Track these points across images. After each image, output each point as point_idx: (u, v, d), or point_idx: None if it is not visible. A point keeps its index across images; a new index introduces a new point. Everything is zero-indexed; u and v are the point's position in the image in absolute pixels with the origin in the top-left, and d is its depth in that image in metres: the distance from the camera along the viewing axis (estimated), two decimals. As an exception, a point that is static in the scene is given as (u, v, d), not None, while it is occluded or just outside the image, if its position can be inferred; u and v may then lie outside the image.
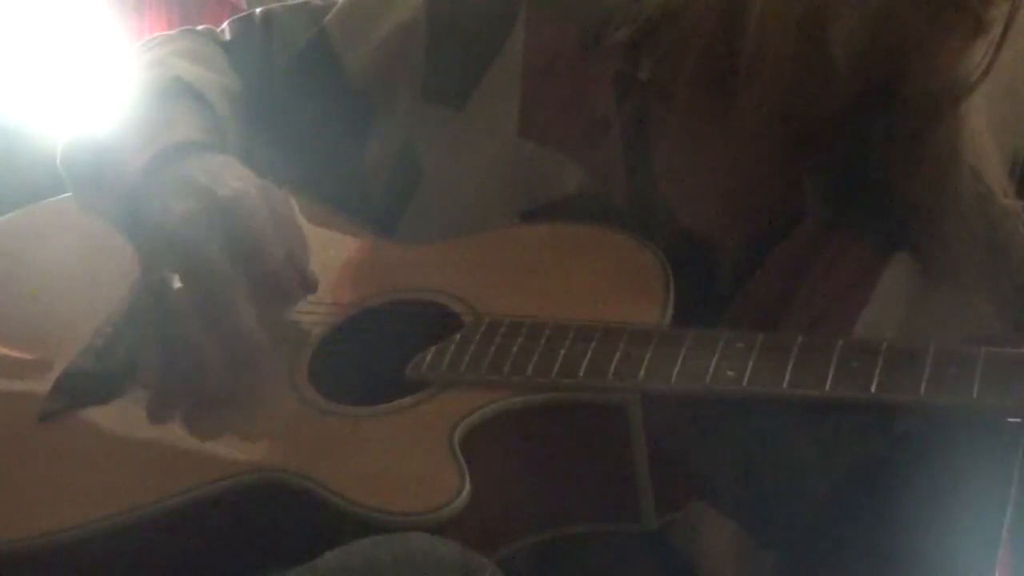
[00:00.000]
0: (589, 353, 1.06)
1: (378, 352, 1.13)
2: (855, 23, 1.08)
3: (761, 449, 1.13)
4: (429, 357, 1.09)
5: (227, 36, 1.33)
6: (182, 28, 1.36)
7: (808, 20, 1.10)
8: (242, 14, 1.35)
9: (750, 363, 1.04)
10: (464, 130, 1.23)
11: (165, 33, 1.36)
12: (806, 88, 1.12)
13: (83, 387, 1.15)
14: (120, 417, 1.13)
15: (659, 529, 1.11)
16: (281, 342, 1.14)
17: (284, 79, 1.29)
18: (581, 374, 1.05)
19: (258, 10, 1.34)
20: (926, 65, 1.10)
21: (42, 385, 1.16)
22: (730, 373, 1.03)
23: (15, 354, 1.21)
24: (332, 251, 1.22)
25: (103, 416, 1.14)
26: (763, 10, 1.11)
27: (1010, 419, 1.01)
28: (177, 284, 1.12)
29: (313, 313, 1.16)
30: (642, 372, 1.05)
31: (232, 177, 1.14)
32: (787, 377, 1.02)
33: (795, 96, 1.13)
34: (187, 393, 1.11)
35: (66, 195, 1.30)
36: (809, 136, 1.16)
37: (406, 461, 1.04)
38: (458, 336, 1.11)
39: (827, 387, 1.01)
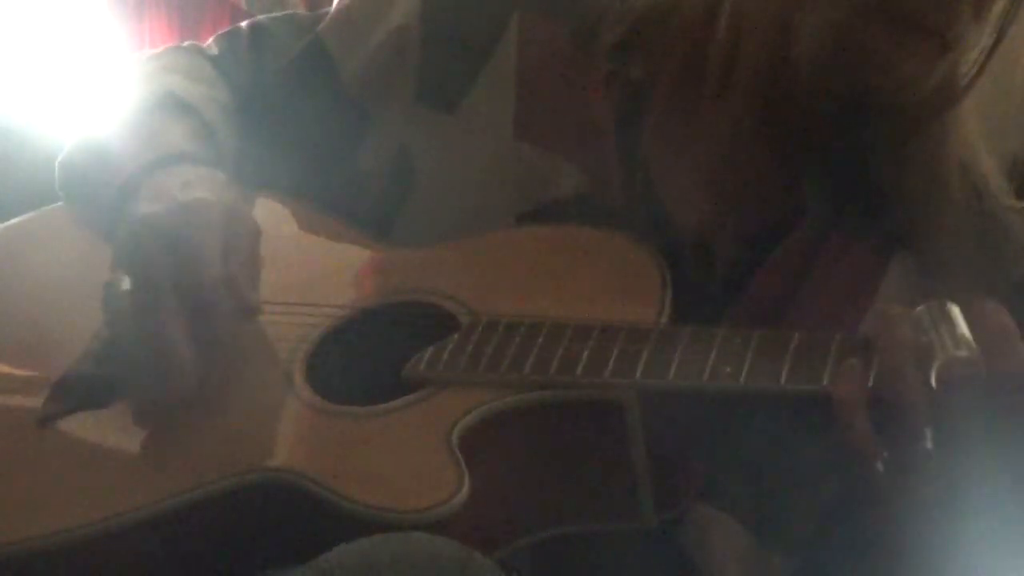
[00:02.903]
0: (586, 352, 1.06)
1: (376, 353, 1.13)
2: (817, 37, 1.09)
3: (768, 451, 1.13)
4: (427, 357, 1.09)
5: (215, 50, 1.34)
6: (169, 46, 1.37)
7: (776, 29, 1.10)
8: (228, 28, 1.36)
9: (747, 360, 1.04)
10: (459, 133, 1.23)
11: (152, 51, 1.36)
12: (779, 93, 1.13)
13: (82, 390, 1.16)
14: (118, 420, 1.13)
15: (665, 530, 1.11)
16: (258, 348, 1.14)
17: (277, 86, 1.30)
18: (579, 372, 1.06)
19: (244, 23, 1.34)
20: (890, 80, 1.10)
21: (41, 389, 1.16)
22: (727, 370, 1.04)
23: (14, 358, 1.21)
24: (328, 254, 1.23)
25: (102, 419, 1.14)
26: (734, 17, 1.11)
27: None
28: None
29: (311, 315, 1.17)
30: (639, 370, 1.05)
31: (203, 190, 1.14)
32: (784, 373, 1.02)
33: (770, 100, 1.13)
34: (187, 397, 1.11)
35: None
36: (796, 138, 1.16)
37: (405, 460, 1.04)
38: (455, 336, 1.11)
39: (824, 382, 1.02)
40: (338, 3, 1.33)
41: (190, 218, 1.11)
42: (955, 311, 0.98)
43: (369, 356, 1.14)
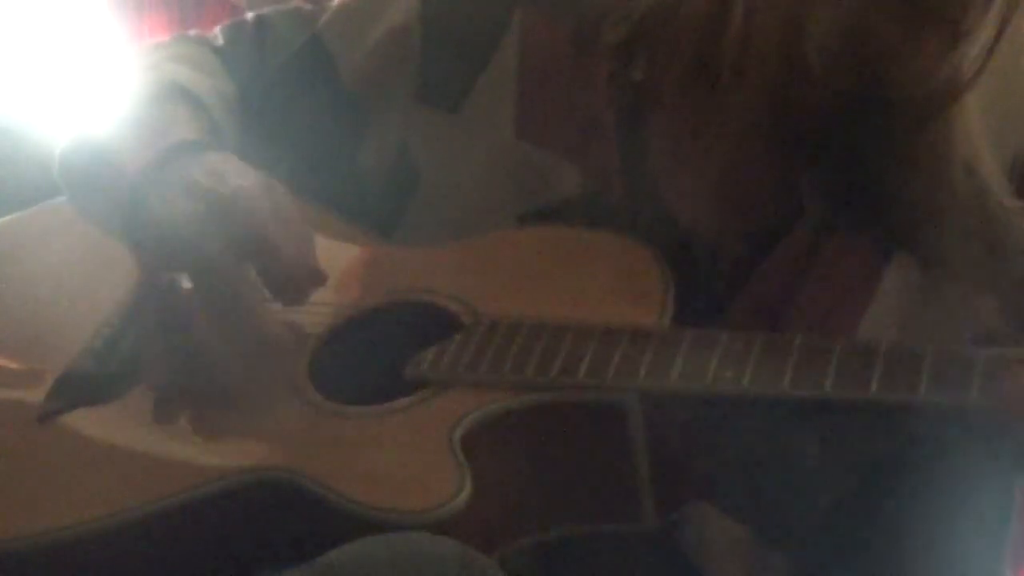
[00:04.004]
0: (589, 354, 1.06)
1: (378, 353, 1.13)
2: (828, 30, 1.09)
3: (768, 452, 1.13)
4: (429, 357, 1.10)
5: (220, 41, 1.33)
6: (175, 34, 1.37)
7: (788, 24, 1.10)
8: (234, 20, 1.35)
9: (750, 364, 1.04)
10: (460, 132, 1.23)
11: (158, 40, 1.36)
12: (789, 89, 1.13)
13: (82, 388, 1.16)
14: (119, 417, 1.13)
15: (663, 529, 1.11)
16: (283, 342, 1.14)
17: (278, 81, 1.29)
18: (581, 374, 1.06)
19: (250, 14, 1.34)
20: (903, 72, 1.10)
21: (41, 386, 1.16)
22: (729, 374, 1.04)
23: (15, 355, 1.21)
24: (331, 253, 1.22)
25: (102, 416, 1.14)
26: (747, 13, 1.11)
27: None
28: (184, 284, 1.12)
29: (313, 314, 1.17)
30: (642, 372, 1.05)
31: (234, 175, 1.14)
32: (787, 378, 1.02)
33: (780, 96, 1.13)
34: (196, 392, 1.11)
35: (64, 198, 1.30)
36: (800, 136, 1.16)
37: (407, 461, 1.04)
38: (458, 337, 1.11)
39: (827, 388, 1.02)
40: (338, 0, 1.33)
41: (240, 204, 1.12)
42: None
43: (371, 356, 1.14)
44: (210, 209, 1.11)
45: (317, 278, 1.15)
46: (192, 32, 1.37)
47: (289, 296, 1.13)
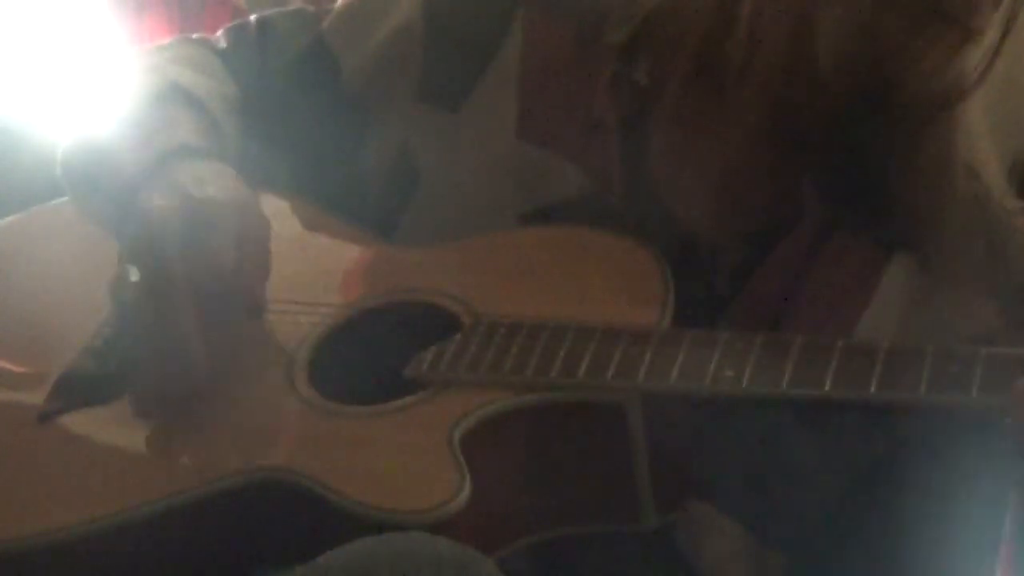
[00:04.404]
0: (589, 353, 1.06)
1: (377, 353, 1.13)
2: (839, 30, 1.09)
3: (765, 451, 1.13)
4: (429, 357, 1.10)
5: (223, 43, 1.33)
6: (177, 36, 1.37)
7: (797, 24, 1.10)
8: (237, 21, 1.35)
9: (750, 363, 1.04)
10: (462, 133, 1.23)
11: (160, 42, 1.36)
12: (796, 90, 1.12)
13: (82, 387, 1.16)
14: (119, 417, 1.13)
15: (663, 529, 1.11)
16: (259, 346, 1.14)
17: (281, 83, 1.30)
18: (581, 374, 1.06)
19: (253, 17, 1.34)
20: (912, 72, 1.09)
21: (42, 386, 1.16)
22: (729, 373, 1.04)
23: (15, 355, 1.21)
24: (331, 253, 1.23)
25: (102, 416, 1.14)
26: (754, 13, 1.11)
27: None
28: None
29: (312, 314, 1.17)
30: (642, 372, 1.05)
31: (215, 185, 1.14)
32: (787, 377, 1.02)
33: (785, 98, 1.13)
34: (193, 393, 1.11)
35: (66, 198, 1.30)
36: (803, 137, 1.16)
37: (406, 460, 1.04)
38: (457, 336, 1.11)
39: (827, 387, 1.02)
40: (341, 1, 1.33)
41: (204, 213, 1.11)
42: None
43: (371, 355, 1.14)
44: (175, 210, 1.11)
45: (254, 311, 1.14)
46: (196, 35, 1.37)
47: (220, 310, 1.11)
